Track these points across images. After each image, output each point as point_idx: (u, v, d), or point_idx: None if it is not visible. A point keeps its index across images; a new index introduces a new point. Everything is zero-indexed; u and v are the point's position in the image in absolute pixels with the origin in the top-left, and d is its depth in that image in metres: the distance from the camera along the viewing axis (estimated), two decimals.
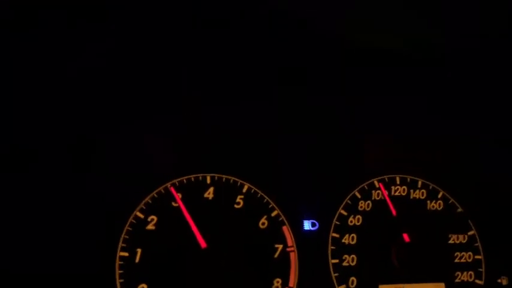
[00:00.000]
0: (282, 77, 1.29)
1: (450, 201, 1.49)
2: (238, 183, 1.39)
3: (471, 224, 1.47)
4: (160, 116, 1.37)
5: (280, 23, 1.12)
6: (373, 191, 1.46)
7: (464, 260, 1.43)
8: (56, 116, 1.29)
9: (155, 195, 1.33)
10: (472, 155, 1.53)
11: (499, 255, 1.44)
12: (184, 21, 1.11)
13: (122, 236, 1.27)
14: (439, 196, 1.49)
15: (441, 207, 1.48)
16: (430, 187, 1.50)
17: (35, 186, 1.26)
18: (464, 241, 1.46)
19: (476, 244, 1.46)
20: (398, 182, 1.49)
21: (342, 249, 1.38)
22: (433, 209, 1.48)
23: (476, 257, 1.44)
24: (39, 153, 1.29)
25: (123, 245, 1.26)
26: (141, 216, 1.30)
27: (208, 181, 1.38)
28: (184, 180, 1.36)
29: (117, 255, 1.25)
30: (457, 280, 1.41)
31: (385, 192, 1.45)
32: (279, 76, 1.29)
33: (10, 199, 1.23)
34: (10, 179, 1.25)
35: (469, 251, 1.45)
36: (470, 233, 1.46)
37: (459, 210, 1.48)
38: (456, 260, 1.43)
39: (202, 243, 1.29)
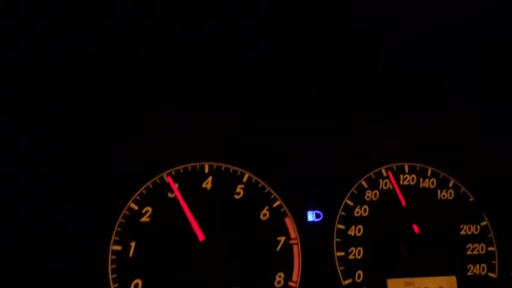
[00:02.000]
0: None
1: (462, 190, 1.41)
2: (238, 173, 1.31)
3: (484, 214, 1.39)
4: (155, 104, 1.30)
5: None
6: (381, 180, 1.38)
7: (477, 252, 1.36)
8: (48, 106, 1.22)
9: (150, 185, 1.26)
10: (485, 142, 1.45)
11: None
12: None
13: (115, 228, 1.20)
14: (450, 185, 1.41)
15: (452, 197, 1.40)
16: (441, 175, 1.42)
17: (26, 176, 1.19)
18: (477, 232, 1.38)
19: (489, 235, 1.38)
20: (407, 171, 1.41)
21: (347, 242, 1.31)
22: (443, 198, 1.40)
23: (489, 248, 1.37)
24: (31, 143, 1.22)
25: (116, 238, 1.20)
26: (135, 207, 1.23)
27: (207, 170, 1.30)
28: (181, 170, 1.29)
29: (110, 249, 1.18)
30: (469, 273, 1.34)
31: (394, 181, 1.37)
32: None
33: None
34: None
35: (481, 243, 1.37)
36: (482, 223, 1.39)
37: (471, 199, 1.41)
38: (468, 252, 1.36)
39: (200, 236, 1.22)
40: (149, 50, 1.17)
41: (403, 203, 1.35)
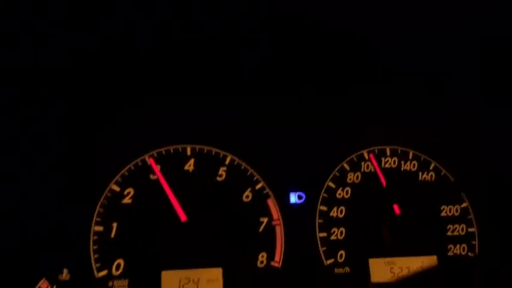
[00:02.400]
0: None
1: (442, 173, 1.43)
2: (221, 155, 1.32)
3: (464, 195, 1.41)
4: (138, 85, 1.30)
5: None
6: (363, 163, 1.40)
7: (457, 233, 1.38)
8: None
9: (132, 167, 1.26)
10: (464, 125, 1.47)
11: (492, 228, 1.39)
12: None
13: (97, 209, 1.20)
14: (431, 167, 1.43)
15: (433, 179, 1.42)
16: (422, 158, 1.44)
17: (10, 157, 1.19)
18: (457, 213, 1.40)
19: (470, 216, 1.40)
20: (388, 154, 1.42)
21: (330, 223, 1.32)
22: (424, 180, 1.42)
23: (469, 229, 1.39)
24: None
25: (98, 219, 1.19)
26: (117, 189, 1.23)
27: (189, 152, 1.30)
28: (163, 152, 1.29)
29: (92, 230, 1.18)
30: (449, 253, 1.35)
31: (376, 164, 1.39)
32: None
33: None
34: None
35: (462, 224, 1.39)
36: (463, 205, 1.41)
37: (451, 181, 1.42)
38: (449, 233, 1.38)
39: (183, 217, 1.22)
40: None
41: (384, 184, 1.37)
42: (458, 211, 1.40)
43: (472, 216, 1.40)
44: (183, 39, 1.15)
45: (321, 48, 1.23)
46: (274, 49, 1.22)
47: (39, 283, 1.12)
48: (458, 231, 1.38)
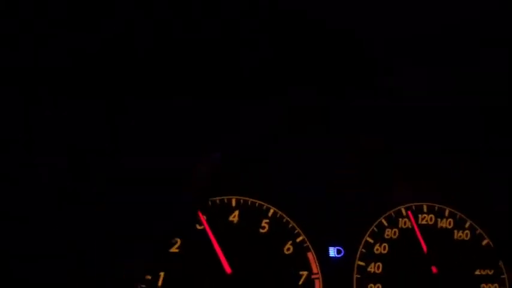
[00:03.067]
0: None
1: (477, 232, 1.46)
2: (264, 207, 1.36)
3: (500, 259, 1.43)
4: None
5: None
6: (400, 219, 1.43)
7: None
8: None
9: None
10: (499, 184, 1.50)
11: None
12: None
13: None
14: (466, 226, 1.46)
15: (468, 237, 1.45)
16: (458, 216, 1.47)
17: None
18: (491, 273, 1.42)
19: (503, 276, 1.43)
20: (425, 210, 1.46)
21: (367, 278, 1.35)
22: (460, 238, 1.45)
23: None
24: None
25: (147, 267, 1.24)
26: None
27: (234, 204, 1.35)
28: (210, 202, 1.33)
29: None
30: None
31: (413, 220, 1.42)
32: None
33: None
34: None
35: (495, 283, 1.42)
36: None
37: (486, 242, 1.45)
38: None
39: (227, 268, 1.26)
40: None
41: (423, 245, 1.39)
42: (492, 270, 1.43)
43: (505, 276, 1.43)
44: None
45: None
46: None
47: None
48: None
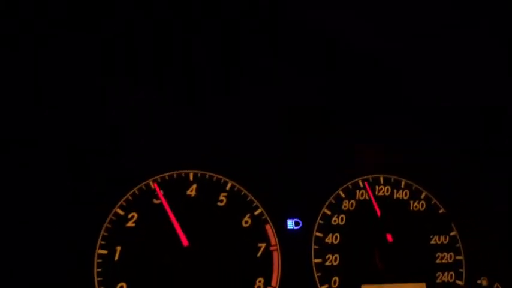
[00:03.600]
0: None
1: (433, 202, 1.49)
2: (222, 181, 1.36)
3: (453, 224, 1.47)
4: (143, 111, 1.34)
5: None
6: (357, 191, 1.45)
7: (446, 261, 1.44)
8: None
9: (136, 191, 1.29)
10: (455, 157, 1.54)
11: (479, 256, 1.45)
12: None
13: (101, 233, 1.23)
14: (422, 196, 1.49)
15: (424, 208, 1.48)
16: (413, 187, 1.50)
17: (12, 180, 1.22)
18: (446, 242, 1.46)
19: (458, 245, 1.46)
20: (382, 182, 1.48)
21: (325, 249, 1.37)
22: (415, 209, 1.48)
23: (457, 257, 1.45)
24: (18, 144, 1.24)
25: (102, 242, 1.23)
26: (121, 213, 1.27)
27: (191, 178, 1.35)
28: (167, 177, 1.33)
29: (96, 253, 1.21)
30: (438, 280, 1.41)
31: (370, 192, 1.44)
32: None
33: None
34: None
35: (450, 252, 1.45)
36: (451, 233, 1.47)
37: (441, 211, 1.48)
38: (437, 261, 1.43)
39: (185, 242, 1.26)
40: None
41: (378, 213, 1.42)
42: (447, 239, 1.46)
43: (460, 244, 1.46)
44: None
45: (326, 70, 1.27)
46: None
47: None
48: (446, 259, 1.44)
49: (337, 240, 1.39)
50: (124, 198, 1.28)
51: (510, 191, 1.50)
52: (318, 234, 1.38)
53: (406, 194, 1.49)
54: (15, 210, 1.20)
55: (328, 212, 1.41)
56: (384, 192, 1.47)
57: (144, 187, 1.30)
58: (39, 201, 1.22)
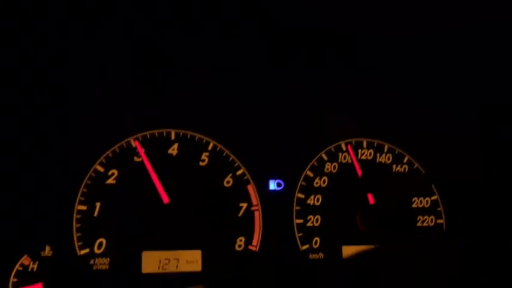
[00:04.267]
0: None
1: (415, 166, 1.50)
2: (204, 141, 1.35)
3: (434, 188, 1.48)
4: (125, 68, 1.32)
5: None
6: (340, 154, 1.45)
7: (427, 224, 1.45)
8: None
9: (116, 149, 1.28)
10: (438, 121, 1.54)
11: (459, 220, 1.46)
12: None
13: (81, 189, 1.22)
14: (405, 160, 1.49)
15: (406, 171, 1.49)
16: (396, 151, 1.50)
17: None
18: (427, 205, 1.47)
19: (439, 208, 1.47)
20: (365, 146, 1.48)
21: (306, 210, 1.38)
22: (398, 172, 1.48)
23: (438, 221, 1.46)
24: None
25: (82, 198, 1.22)
26: (101, 170, 1.25)
27: (173, 137, 1.34)
28: (148, 135, 1.32)
29: (75, 209, 1.20)
30: None
31: (353, 155, 1.44)
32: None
33: None
34: None
35: (431, 215, 1.46)
36: (433, 197, 1.48)
37: (423, 173, 1.49)
38: (418, 224, 1.44)
39: (165, 199, 1.26)
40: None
41: (360, 174, 1.42)
42: (428, 203, 1.47)
43: (441, 208, 1.47)
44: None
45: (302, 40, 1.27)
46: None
47: (21, 259, 1.15)
48: (427, 222, 1.45)
49: (319, 202, 1.39)
50: (104, 156, 1.27)
51: (490, 156, 1.50)
52: (299, 195, 1.38)
53: (388, 158, 1.49)
54: None
55: (311, 174, 1.41)
56: (366, 156, 1.47)
57: (124, 145, 1.29)
58: (19, 156, 1.20)
